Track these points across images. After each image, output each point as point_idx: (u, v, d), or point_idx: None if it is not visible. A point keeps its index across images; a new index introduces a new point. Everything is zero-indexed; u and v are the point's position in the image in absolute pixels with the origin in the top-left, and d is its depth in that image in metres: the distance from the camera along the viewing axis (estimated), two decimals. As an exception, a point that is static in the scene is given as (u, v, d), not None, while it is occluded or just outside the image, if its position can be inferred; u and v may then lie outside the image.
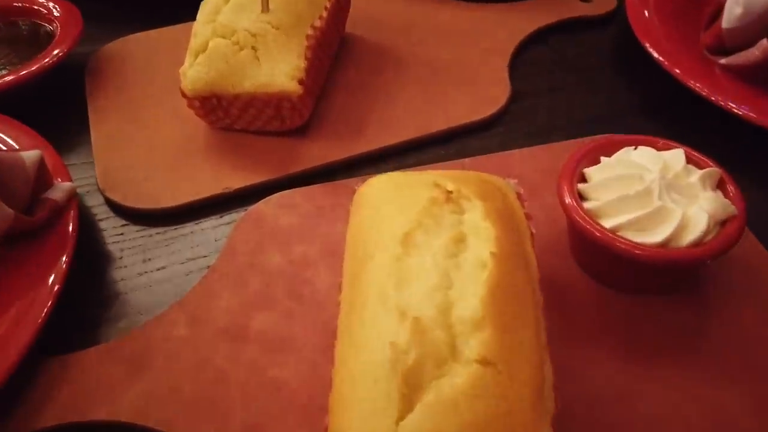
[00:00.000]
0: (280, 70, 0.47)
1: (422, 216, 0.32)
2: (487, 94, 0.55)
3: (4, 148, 0.45)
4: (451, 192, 0.33)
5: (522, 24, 0.63)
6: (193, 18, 0.56)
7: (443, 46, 0.60)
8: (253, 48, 0.47)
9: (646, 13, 0.59)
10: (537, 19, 0.63)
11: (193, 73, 0.47)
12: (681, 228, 0.35)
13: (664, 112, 0.55)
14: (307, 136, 0.51)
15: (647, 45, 0.55)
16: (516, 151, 0.50)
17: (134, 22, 0.65)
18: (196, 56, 0.48)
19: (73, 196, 0.42)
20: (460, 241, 0.31)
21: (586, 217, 0.37)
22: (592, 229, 0.36)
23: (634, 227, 0.36)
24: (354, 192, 0.38)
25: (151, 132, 0.52)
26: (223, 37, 0.48)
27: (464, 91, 0.55)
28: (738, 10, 0.50)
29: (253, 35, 0.47)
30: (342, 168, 0.50)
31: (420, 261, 0.30)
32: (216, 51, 0.47)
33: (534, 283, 0.31)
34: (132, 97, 0.56)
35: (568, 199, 0.38)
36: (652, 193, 0.36)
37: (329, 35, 0.54)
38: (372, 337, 0.28)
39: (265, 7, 0.48)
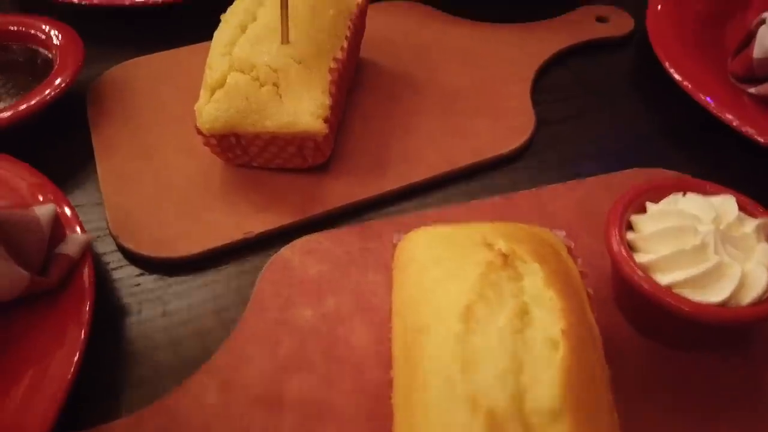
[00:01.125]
0: (304, 109, 0.44)
1: (481, 286, 0.30)
2: (512, 124, 0.53)
3: (14, 203, 0.42)
4: (506, 255, 0.31)
5: (540, 46, 0.61)
6: (202, 38, 0.54)
7: (461, 71, 0.58)
8: (274, 84, 0.45)
9: (668, 36, 0.58)
10: (554, 40, 0.62)
11: (211, 110, 0.45)
12: (740, 286, 0.34)
13: (690, 139, 0.54)
14: (328, 173, 0.49)
15: (672, 71, 0.53)
16: (547, 188, 0.48)
17: (138, 44, 0.62)
18: (213, 92, 0.45)
19: (88, 249, 0.40)
20: (524, 313, 0.29)
21: (642, 274, 0.35)
22: (649, 288, 0.34)
23: (692, 285, 0.34)
24: (383, 237, 0.36)
25: (162, 167, 0.49)
26: (242, 71, 0.45)
27: (487, 121, 0.53)
28: (771, 41, 0.48)
29: (275, 70, 0.45)
30: (366, 206, 0.48)
31: (485, 339, 0.28)
32: (235, 87, 0.45)
33: (601, 356, 0.30)
34: (140, 128, 0.53)
35: (620, 251, 0.36)
36: (708, 247, 0.35)
37: (349, 65, 0.52)
38: (439, 426, 0.26)
39: (285, 39, 0.46)
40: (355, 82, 0.57)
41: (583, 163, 0.52)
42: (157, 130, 0.52)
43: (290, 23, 0.46)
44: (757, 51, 0.50)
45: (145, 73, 0.58)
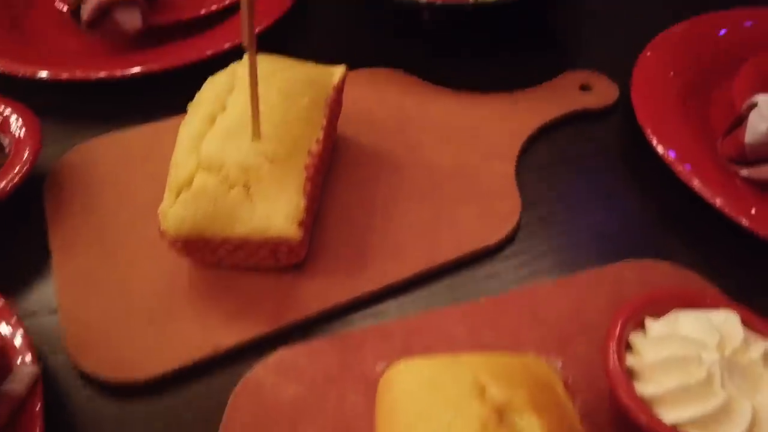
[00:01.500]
0: (278, 212, 0.41)
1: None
2: (497, 209, 0.51)
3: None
4: (501, 410, 0.28)
5: (523, 119, 0.59)
6: (170, 113, 0.51)
7: (443, 148, 0.56)
8: (245, 186, 0.42)
9: (655, 111, 0.56)
10: (538, 112, 0.59)
11: (176, 214, 0.41)
12: (752, 425, 0.31)
13: (681, 222, 0.52)
14: (304, 272, 0.46)
15: (663, 152, 0.52)
16: (537, 287, 0.45)
17: (105, 118, 0.58)
18: (178, 193, 0.42)
19: (38, 381, 0.36)
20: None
21: (646, 410, 0.32)
22: (654, 427, 0.32)
23: (699, 425, 0.32)
24: (364, 348, 0.33)
25: (126, 268, 0.46)
26: (210, 171, 0.42)
27: (472, 208, 0.51)
28: (763, 126, 0.47)
29: (245, 170, 0.42)
30: (344, 309, 0.45)
31: None
32: (203, 189, 0.41)
33: None
34: (102, 221, 0.49)
35: (620, 383, 0.33)
36: (714, 380, 0.32)
37: (325, 154, 0.49)
38: None
39: (257, 135, 0.43)
40: (332, 161, 0.54)
41: (570, 249, 0.50)
42: (121, 223, 0.49)
43: (261, 117, 0.43)
44: (749, 136, 0.48)
45: (111, 154, 0.55)
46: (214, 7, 0.68)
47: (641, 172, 0.56)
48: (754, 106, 0.48)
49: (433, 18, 0.60)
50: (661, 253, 0.48)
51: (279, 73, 0.47)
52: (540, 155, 0.58)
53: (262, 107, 0.44)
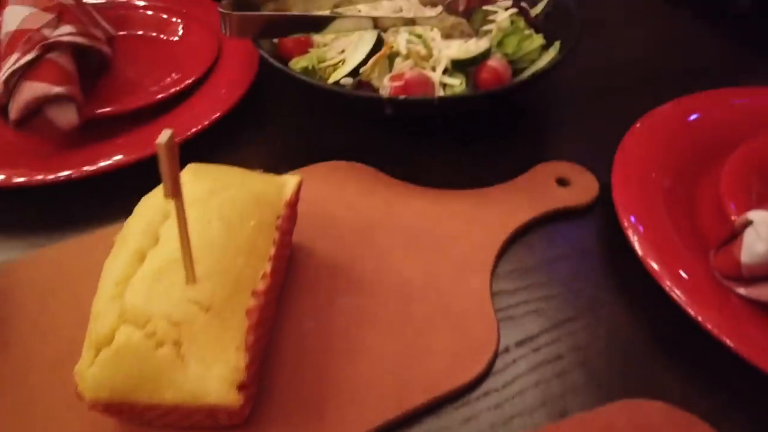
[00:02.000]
0: (214, 375, 0.35)
1: None
2: (472, 335, 0.46)
3: None
4: None
5: (497, 222, 0.54)
6: (108, 219, 0.45)
7: (412, 258, 0.51)
8: (175, 343, 0.36)
9: (639, 211, 0.52)
10: (512, 213, 0.55)
11: (94, 376, 0.35)
12: None
13: (676, 346, 0.46)
14: (249, 428, 0.39)
15: (646, 262, 0.47)
16: (518, 439, 0.40)
17: (20, 233, 0.52)
18: (98, 350, 0.36)
19: None
20: None
21: None
22: None
23: None
24: None
25: (44, 427, 0.39)
26: (135, 325, 0.36)
27: (444, 334, 0.45)
28: (761, 248, 0.42)
29: (176, 324, 0.36)
30: (298, 473, 0.39)
31: None
32: (125, 348, 0.35)
33: None
34: (19, 366, 0.43)
35: None
36: None
37: (275, 285, 0.43)
38: None
39: (191, 278, 0.37)
40: (287, 279, 0.48)
41: (555, 381, 0.44)
42: (41, 366, 0.43)
43: (198, 252, 0.38)
44: (746, 257, 0.43)
45: (33, 277, 0.48)
46: (160, 96, 0.62)
47: (628, 281, 0.51)
48: (749, 223, 0.43)
49: (397, 112, 0.55)
50: (655, 385, 0.43)
51: (219, 194, 0.42)
52: (516, 261, 0.53)
53: (198, 241, 0.38)
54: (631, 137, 0.60)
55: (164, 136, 0.28)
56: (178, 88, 0.62)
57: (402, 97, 0.55)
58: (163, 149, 0.28)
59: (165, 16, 0.76)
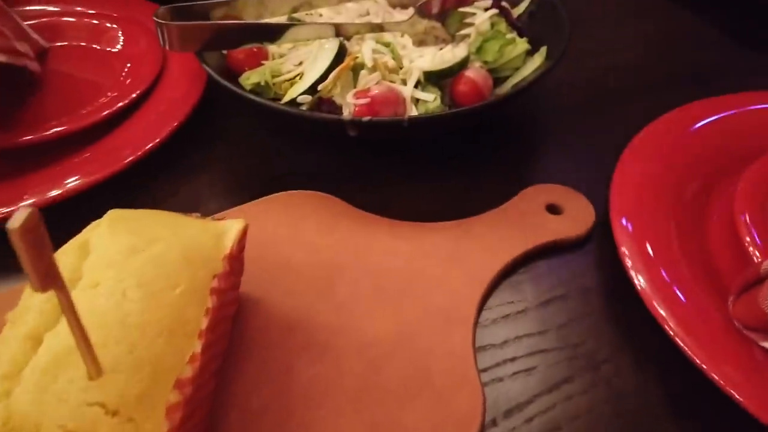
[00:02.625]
0: (121, 501, 0.27)
1: None
2: (454, 407, 0.38)
3: None
4: None
5: (479, 260, 0.47)
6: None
7: (380, 310, 0.43)
8: (72, 461, 0.28)
9: (642, 248, 0.45)
10: (497, 250, 0.47)
11: (-32, 507, 0.27)
12: None
13: (687, 405, 0.40)
14: None
15: (659, 311, 0.40)
16: None
17: None
18: (-25, 471, 0.28)
19: None
20: None
21: None
22: None
23: None
24: None
25: None
26: (21, 436, 0.28)
27: (419, 407, 0.38)
28: (794, 299, 0.35)
29: (72, 435, 0.28)
30: None
31: None
32: (7, 469, 0.27)
33: None
34: None
35: None
36: None
37: (212, 360, 0.35)
38: None
39: (95, 371, 0.29)
40: (232, 341, 0.41)
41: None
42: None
43: (105, 335, 0.30)
44: (775, 308, 0.36)
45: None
46: (89, 122, 0.54)
47: (633, 327, 0.44)
48: (778, 268, 0.36)
49: (362, 136, 0.47)
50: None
51: (142, 254, 0.34)
52: (503, 307, 0.46)
53: (108, 319, 0.30)
54: (630, 153, 0.53)
55: (18, 218, 0.20)
56: (109, 111, 0.54)
57: (366, 118, 0.47)
58: (18, 237, 0.20)
59: (106, 24, 0.68)
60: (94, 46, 0.66)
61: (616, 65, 0.69)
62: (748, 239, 0.44)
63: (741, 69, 0.68)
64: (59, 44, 0.66)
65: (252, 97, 0.49)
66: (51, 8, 0.70)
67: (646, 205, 0.48)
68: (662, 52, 0.72)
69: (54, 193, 0.47)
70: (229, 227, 0.39)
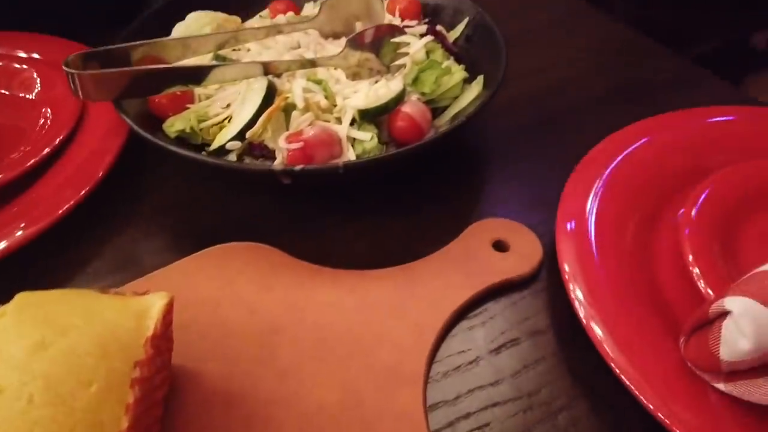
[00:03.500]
0: None
1: None
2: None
3: None
4: None
5: (425, 310, 0.45)
6: None
7: (324, 374, 0.41)
8: None
9: (590, 285, 0.43)
10: (443, 297, 0.46)
11: None
12: None
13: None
14: None
15: (609, 354, 0.39)
16: None
17: None
18: None
19: None
20: None
21: None
22: None
23: None
24: None
25: None
26: None
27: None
28: (745, 345, 0.34)
29: None
30: None
31: None
32: None
33: None
34: None
35: None
36: None
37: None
38: None
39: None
40: (164, 423, 0.37)
41: None
42: None
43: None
44: (726, 353, 0.36)
45: None
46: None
47: (587, 371, 0.42)
48: (726, 313, 0.35)
49: (297, 184, 0.45)
50: None
51: (50, 348, 0.31)
52: (453, 358, 0.44)
53: (9, 430, 0.27)
54: (574, 182, 0.52)
55: None
56: (17, 173, 0.49)
57: (299, 167, 0.44)
58: None
59: (21, 66, 0.63)
60: (7, 92, 0.61)
61: (551, 85, 0.68)
62: (696, 271, 0.43)
63: (680, 82, 0.68)
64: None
65: (175, 149, 0.46)
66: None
67: (593, 242, 0.46)
68: (598, 66, 0.71)
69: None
70: (151, 303, 0.36)
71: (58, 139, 0.53)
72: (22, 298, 0.34)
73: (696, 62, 0.70)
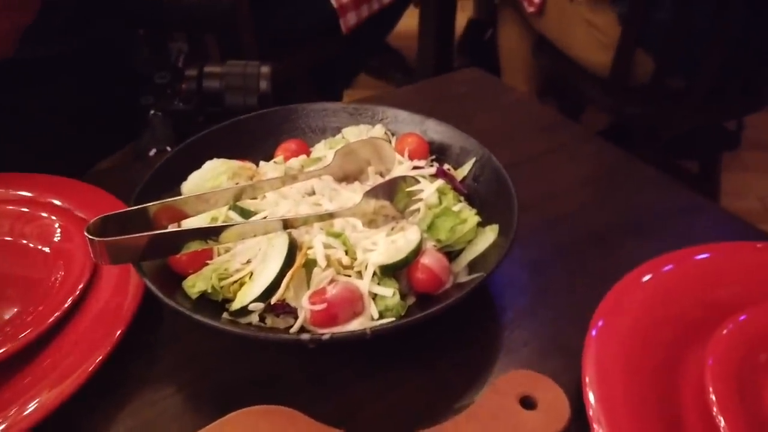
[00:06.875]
0: None
1: None
2: None
3: None
4: None
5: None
6: None
7: None
8: None
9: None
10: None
11: None
12: None
13: None
14: None
15: None
16: None
17: None
18: None
19: None
20: None
21: None
22: None
23: None
24: None
25: None
26: None
27: None
28: None
29: None
30: None
31: None
32: None
33: None
34: None
35: None
36: None
37: None
38: None
39: None
40: None
41: None
42: None
43: None
44: None
45: None
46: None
47: None
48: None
49: (323, 351, 0.44)
50: None
51: None
52: None
53: None
54: (597, 338, 0.51)
55: None
56: (21, 344, 0.48)
57: (327, 335, 0.44)
58: None
59: (42, 214, 0.63)
60: (25, 242, 0.61)
61: (558, 216, 0.68)
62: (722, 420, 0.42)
63: (679, 210, 0.70)
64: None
65: (199, 318, 0.46)
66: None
67: (623, 396, 0.46)
68: (604, 198, 0.73)
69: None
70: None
71: (63, 306, 0.52)
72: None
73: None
